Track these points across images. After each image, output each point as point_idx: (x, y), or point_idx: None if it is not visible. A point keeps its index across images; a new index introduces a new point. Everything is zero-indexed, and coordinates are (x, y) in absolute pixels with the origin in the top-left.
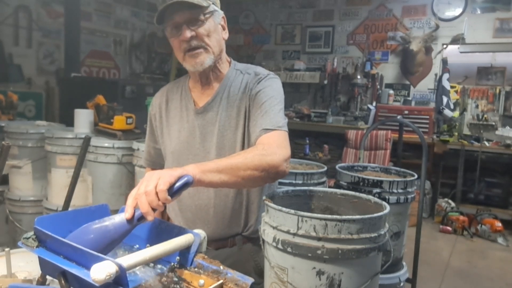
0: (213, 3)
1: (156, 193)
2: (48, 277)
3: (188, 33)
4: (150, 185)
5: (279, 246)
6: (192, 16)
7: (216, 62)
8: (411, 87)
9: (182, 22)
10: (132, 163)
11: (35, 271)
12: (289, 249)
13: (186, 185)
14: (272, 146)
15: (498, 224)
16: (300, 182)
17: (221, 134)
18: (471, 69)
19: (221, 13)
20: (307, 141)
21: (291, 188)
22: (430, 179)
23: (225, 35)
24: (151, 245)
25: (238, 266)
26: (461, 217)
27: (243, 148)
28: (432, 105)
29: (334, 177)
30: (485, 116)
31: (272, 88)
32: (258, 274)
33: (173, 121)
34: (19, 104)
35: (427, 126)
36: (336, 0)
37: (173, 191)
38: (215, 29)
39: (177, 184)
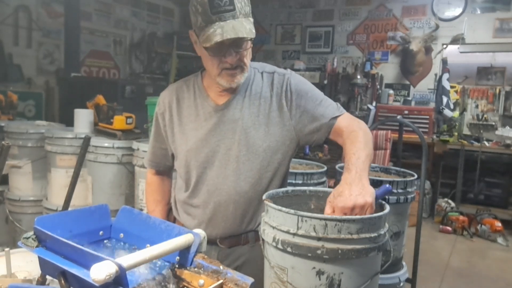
0: (251, 15)
1: (363, 210)
2: (48, 277)
3: (235, 57)
4: (359, 200)
5: (279, 246)
6: (240, 41)
7: None
8: (411, 87)
9: (228, 44)
10: (132, 163)
11: (35, 271)
12: (289, 249)
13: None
14: (355, 126)
15: (498, 224)
16: (300, 182)
17: (244, 132)
18: (471, 69)
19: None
20: None
21: (291, 188)
22: (430, 179)
23: (251, 43)
24: (151, 245)
25: (251, 264)
26: (461, 217)
27: (267, 146)
28: (432, 105)
29: (334, 177)
30: (485, 116)
31: (305, 82)
32: None
33: (187, 119)
34: (19, 104)
35: (427, 126)
36: (336, 0)
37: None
38: (251, 47)
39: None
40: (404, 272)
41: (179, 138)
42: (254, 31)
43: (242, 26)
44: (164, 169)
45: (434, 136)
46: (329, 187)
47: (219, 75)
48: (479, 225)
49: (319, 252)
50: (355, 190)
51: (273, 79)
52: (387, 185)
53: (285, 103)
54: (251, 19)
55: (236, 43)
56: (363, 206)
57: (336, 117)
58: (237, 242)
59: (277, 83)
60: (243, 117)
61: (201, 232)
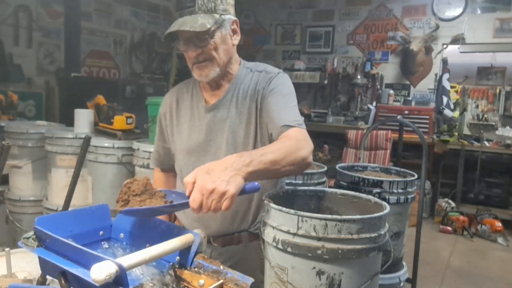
0: (222, 11)
1: (221, 198)
2: (48, 277)
3: (194, 51)
4: (221, 186)
5: (279, 246)
6: (198, 35)
7: (226, 68)
8: (411, 87)
9: (189, 39)
10: (132, 163)
11: (35, 271)
12: (289, 249)
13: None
14: (299, 139)
15: (498, 224)
16: (300, 182)
17: (232, 131)
18: (471, 69)
19: (232, 18)
20: None
21: (291, 188)
22: (430, 179)
23: (236, 40)
24: (151, 245)
25: (244, 264)
26: (461, 217)
27: (255, 145)
28: (432, 105)
29: (334, 177)
30: (485, 116)
31: (285, 86)
32: (264, 271)
33: (184, 119)
34: (19, 104)
35: (427, 126)
36: (336, 0)
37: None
38: (222, 40)
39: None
40: (404, 272)
41: (176, 138)
42: (208, 26)
43: (193, 21)
44: (169, 168)
45: (434, 136)
46: (329, 187)
47: (192, 70)
48: (479, 225)
49: (319, 252)
50: (226, 174)
51: (259, 77)
52: (256, 183)
53: (260, 101)
54: (216, 15)
55: (196, 38)
56: (223, 194)
57: (288, 126)
58: (231, 241)
59: (261, 81)
60: (230, 117)
61: (201, 232)
